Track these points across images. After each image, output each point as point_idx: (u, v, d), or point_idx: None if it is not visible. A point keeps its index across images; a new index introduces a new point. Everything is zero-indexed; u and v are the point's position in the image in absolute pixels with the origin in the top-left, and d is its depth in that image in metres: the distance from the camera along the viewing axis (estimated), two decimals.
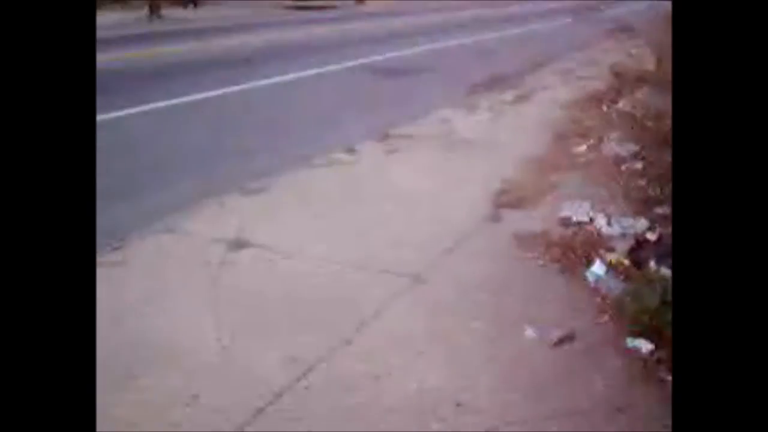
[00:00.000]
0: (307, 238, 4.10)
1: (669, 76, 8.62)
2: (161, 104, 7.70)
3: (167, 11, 19.82)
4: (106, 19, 17.42)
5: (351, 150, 5.94)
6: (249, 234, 4.10)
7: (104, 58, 11.05)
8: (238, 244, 3.97)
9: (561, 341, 2.97)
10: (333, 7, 25.21)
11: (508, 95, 8.77)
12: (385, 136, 6.42)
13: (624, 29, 17.32)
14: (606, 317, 3.16)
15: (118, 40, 13.82)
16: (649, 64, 10.26)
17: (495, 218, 4.41)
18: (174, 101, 7.90)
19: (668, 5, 12.55)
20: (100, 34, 14.52)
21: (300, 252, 3.90)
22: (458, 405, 2.53)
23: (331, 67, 10.87)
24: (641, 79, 9.06)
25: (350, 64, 11.34)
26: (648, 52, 11.57)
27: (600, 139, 6.24)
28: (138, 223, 4.25)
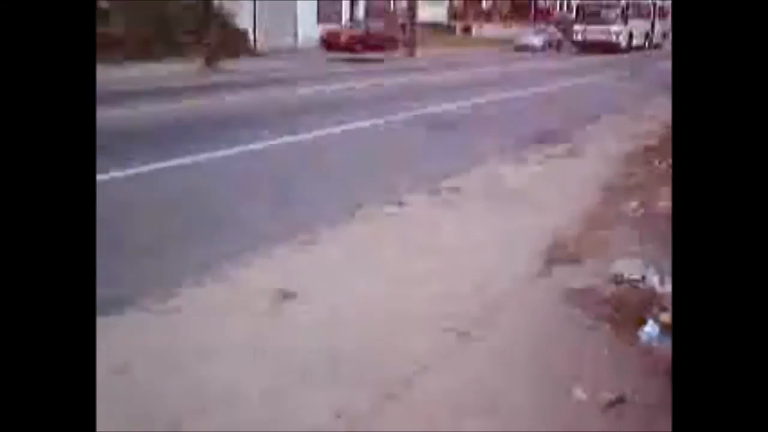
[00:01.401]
0: (354, 290, 4.11)
1: None
2: (214, 155, 7.87)
3: (221, 63, 20.41)
4: (165, 69, 18.08)
5: (400, 202, 5.98)
6: (296, 285, 4.14)
7: (161, 109, 11.45)
8: (285, 295, 4.01)
9: (612, 403, 2.90)
10: (381, 60, 25.63)
11: (558, 149, 8.76)
12: (435, 189, 6.46)
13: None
14: (659, 379, 3.08)
15: (179, 90, 14.24)
16: None
17: (545, 273, 4.36)
18: (227, 152, 8.07)
19: None
20: (161, 84, 15.09)
21: (346, 304, 3.91)
22: None
23: (382, 120, 11.01)
24: None
25: (401, 116, 11.47)
26: None
27: (651, 195, 6.17)
28: (192, 271, 4.33)
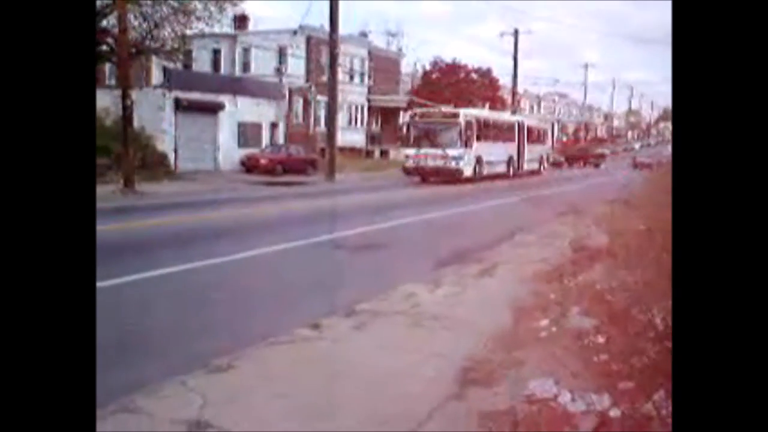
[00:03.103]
0: (271, 419, 4.04)
1: (624, 249, 8.98)
2: (129, 279, 7.75)
3: (140, 185, 20.34)
4: None
5: (317, 326, 5.99)
6: (211, 415, 4.04)
7: None
8: (200, 426, 3.90)
9: None
10: (302, 183, 26.07)
11: (472, 269, 9.00)
12: (351, 312, 6.50)
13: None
14: None
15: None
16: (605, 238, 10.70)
17: (460, 396, 4.41)
18: (140, 276, 7.95)
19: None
20: None
21: None
22: None
23: (300, 243, 11.11)
24: (599, 254, 9.41)
25: (319, 239, 11.62)
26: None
27: (561, 314, 6.39)
28: (100, 401, 4.16)
